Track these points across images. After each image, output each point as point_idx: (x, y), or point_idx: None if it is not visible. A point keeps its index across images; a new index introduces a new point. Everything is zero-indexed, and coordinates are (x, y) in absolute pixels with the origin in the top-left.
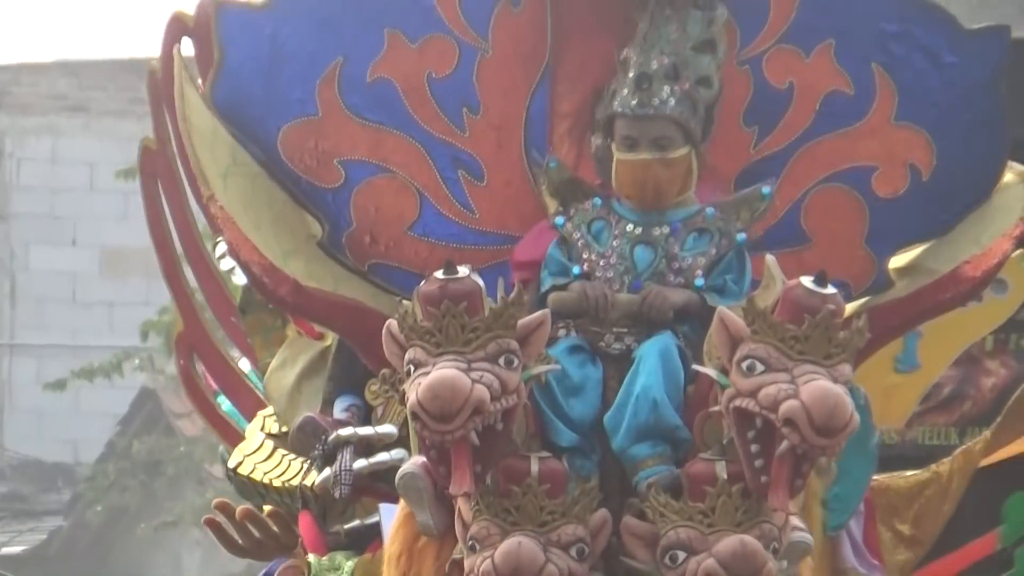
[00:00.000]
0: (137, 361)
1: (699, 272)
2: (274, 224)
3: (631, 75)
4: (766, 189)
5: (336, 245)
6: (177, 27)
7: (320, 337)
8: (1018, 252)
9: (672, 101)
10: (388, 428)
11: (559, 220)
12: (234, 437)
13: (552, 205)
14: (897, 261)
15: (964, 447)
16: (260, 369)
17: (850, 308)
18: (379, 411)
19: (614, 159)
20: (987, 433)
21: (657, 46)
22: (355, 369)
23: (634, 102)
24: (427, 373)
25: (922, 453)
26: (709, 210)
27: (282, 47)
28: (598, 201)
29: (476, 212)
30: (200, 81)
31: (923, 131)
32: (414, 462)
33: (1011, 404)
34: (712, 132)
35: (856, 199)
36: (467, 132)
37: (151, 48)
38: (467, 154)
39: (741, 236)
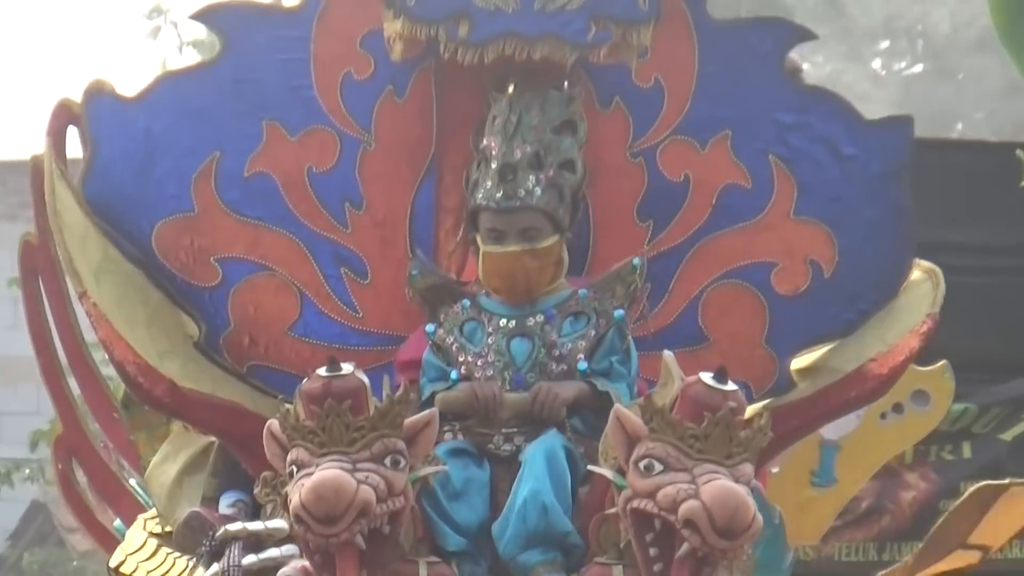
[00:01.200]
0: (27, 472)
1: (581, 356)
2: (149, 323)
3: (494, 166)
4: (636, 260)
5: (213, 346)
6: (63, 116)
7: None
8: (940, 363)
9: (538, 191)
10: (278, 523)
11: (430, 328)
12: (112, 542)
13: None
14: (799, 362)
15: (883, 573)
16: (142, 468)
17: (751, 410)
18: (268, 508)
19: (480, 252)
20: (908, 559)
21: (519, 133)
22: (241, 465)
23: (499, 195)
24: (310, 474)
25: (840, 570)
26: (582, 292)
27: (156, 141)
28: (467, 302)
29: (359, 311)
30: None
31: (824, 226)
32: (294, 566)
33: (933, 532)
34: (578, 217)
35: (755, 297)
36: (350, 228)
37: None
38: (350, 251)
39: (619, 312)
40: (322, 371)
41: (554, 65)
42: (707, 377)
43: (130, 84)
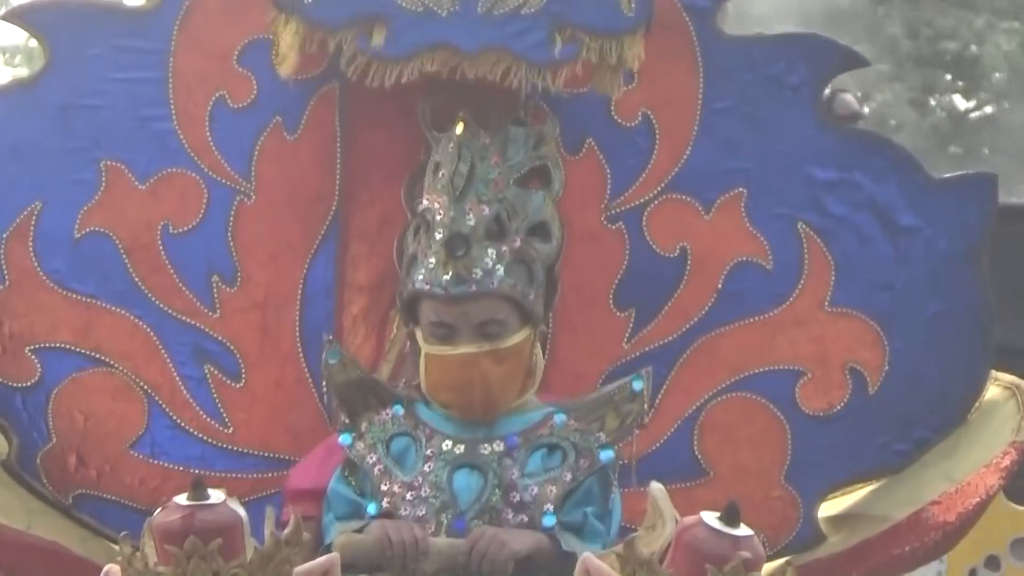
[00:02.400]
0: None
1: (548, 506)
2: None
3: (439, 237)
4: (638, 383)
5: (28, 467)
6: None
7: None
8: None
9: (500, 270)
10: None
11: (345, 437)
12: None
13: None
14: (831, 506)
15: None
16: None
17: (768, 567)
18: None
19: (421, 353)
20: None
21: (471, 190)
22: None
23: (446, 277)
24: None
25: None
26: (559, 417)
27: None
28: (399, 409)
29: (229, 425)
30: None
31: (870, 322)
32: None
33: None
34: (555, 304)
35: (773, 416)
36: (218, 311)
37: None
38: (217, 342)
39: (606, 453)
40: (182, 499)
41: (506, 91)
42: (711, 518)
43: None
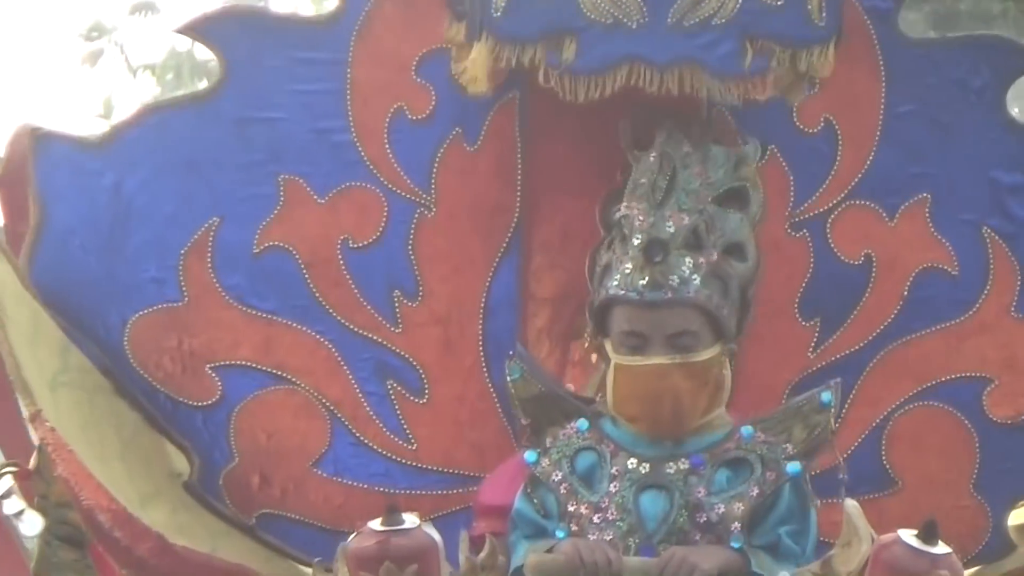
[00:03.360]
0: None
1: (736, 526)
2: (124, 455)
3: (636, 242)
4: (826, 395)
5: (211, 487)
6: (14, 161)
7: None
8: None
9: (696, 280)
10: None
11: (530, 455)
12: None
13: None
14: (1019, 516)
15: None
16: None
17: None
18: None
19: (610, 364)
20: None
21: (672, 198)
22: None
23: (642, 281)
24: None
25: None
26: (745, 430)
27: (129, 203)
28: (584, 424)
29: (413, 441)
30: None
31: None
32: None
33: None
34: (750, 323)
35: (962, 425)
36: (400, 326)
37: None
38: (400, 358)
39: (794, 467)
40: (376, 524)
41: (692, 102)
42: (909, 536)
43: (66, 125)
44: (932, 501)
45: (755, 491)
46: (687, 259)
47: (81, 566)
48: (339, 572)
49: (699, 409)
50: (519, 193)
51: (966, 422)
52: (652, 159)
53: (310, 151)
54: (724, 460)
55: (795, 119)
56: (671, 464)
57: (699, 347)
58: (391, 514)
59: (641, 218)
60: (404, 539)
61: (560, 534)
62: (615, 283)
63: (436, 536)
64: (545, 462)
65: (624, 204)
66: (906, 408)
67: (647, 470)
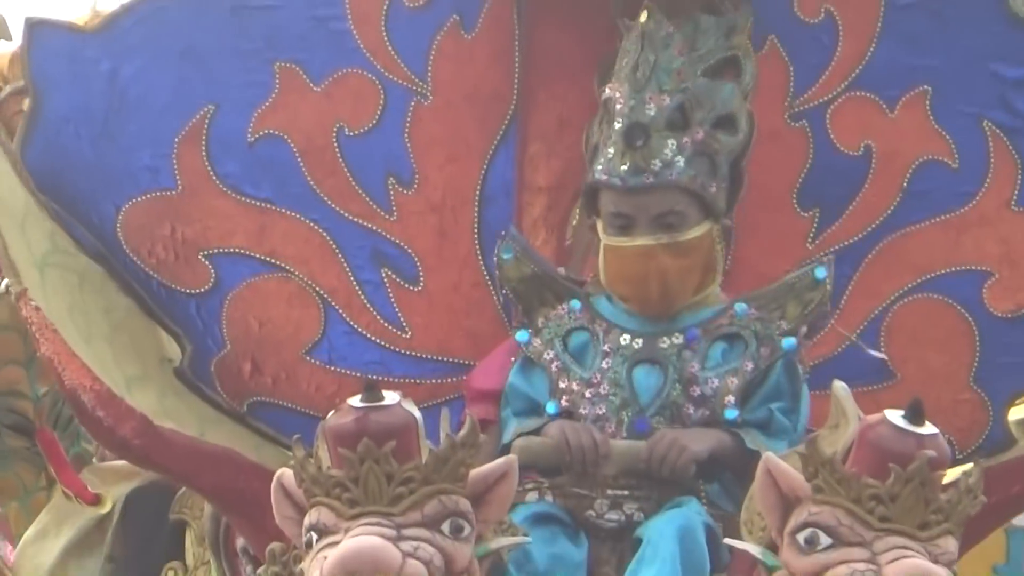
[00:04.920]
0: None
1: (730, 399)
2: (112, 338)
3: (617, 126)
4: (820, 271)
5: (202, 374)
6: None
7: (95, 502)
8: None
9: (680, 161)
10: None
11: (522, 335)
12: None
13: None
14: (1020, 411)
15: None
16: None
17: (955, 471)
18: None
19: (600, 244)
20: None
21: (654, 80)
22: (149, 547)
23: (624, 167)
24: (337, 543)
25: None
26: (739, 306)
27: (124, 90)
28: (576, 304)
29: (407, 329)
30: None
31: None
32: None
33: None
34: (742, 197)
35: (961, 318)
36: (395, 214)
37: None
38: (394, 245)
39: (788, 341)
40: (355, 401)
41: None
42: (895, 416)
43: (74, 14)
44: (931, 394)
45: (749, 365)
46: (670, 141)
47: (29, 453)
48: (319, 450)
49: (689, 287)
50: (516, 81)
51: (966, 314)
52: (634, 38)
53: (306, 38)
54: (718, 335)
55: (795, 8)
56: (664, 339)
57: (685, 226)
58: (370, 390)
59: (622, 102)
60: (383, 415)
61: (551, 408)
62: (599, 168)
63: (416, 413)
64: (537, 342)
65: (609, 86)
66: (905, 300)
67: (640, 345)
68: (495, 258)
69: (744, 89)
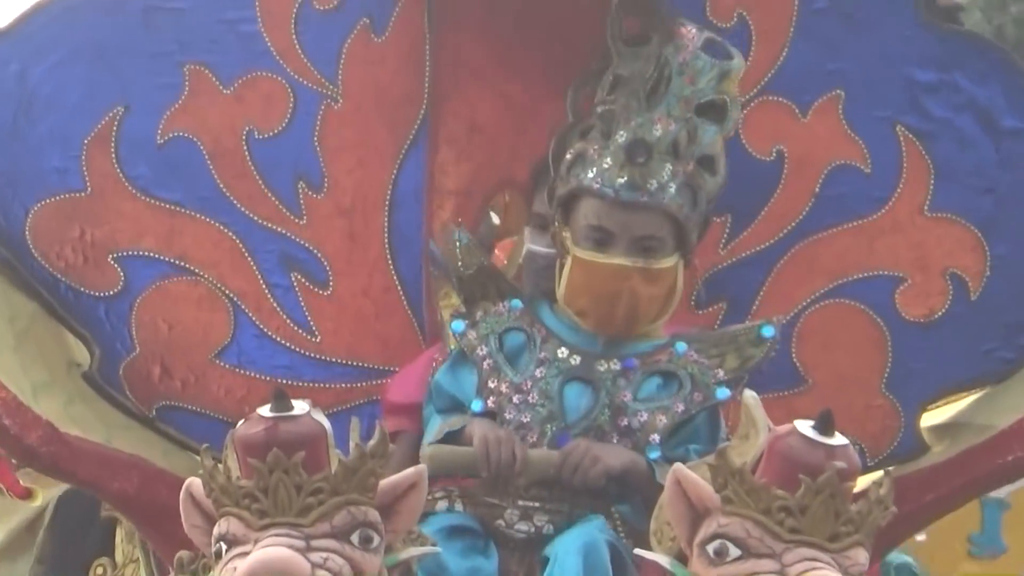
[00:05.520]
0: None
1: (655, 438)
2: (19, 345)
3: (620, 139)
4: (767, 329)
5: (111, 378)
6: None
7: (26, 496)
8: None
9: (672, 188)
10: None
11: (457, 325)
12: None
13: (446, 308)
14: (934, 416)
15: None
16: None
17: (865, 479)
18: None
19: (569, 255)
20: None
21: (665, 102)
22: (79, 546)
23: (621, 180)
24: (247, 554)
25: None
26: (680, 345)
27: (34, 91)
28: (517, 304)
29: (317, 333)
30: None
31: (971, 227)
32: None
33: None
34: (701, 241)
35: (873, 323)
36: (305, 218)
37: None
38: (304, 249)
39: (723, 391)
40: (265, 410)
41: None
42: (805, 427)
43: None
44: (842, 400)
45: (680, 407)
46: (667, 165)
47: None
48: (228, 459)
49: (650, 316)
50: (427, 84)
51: (878, 320)
52: (647, 58)
53: (217, 41)
54: (655, 369)
55: (707, 13)
56: (603, 362)
57: (662, 254)
58: (279, 400)
59: (628, 116)
60: (292, 425)
61: (476, 407)
62: (591, 175)
63: (325, 423)
64: (472, 335)
65: (608, 95)
66: (817, 305)
67: (577, 362)
68: (455, 239)
69: (724, 134)
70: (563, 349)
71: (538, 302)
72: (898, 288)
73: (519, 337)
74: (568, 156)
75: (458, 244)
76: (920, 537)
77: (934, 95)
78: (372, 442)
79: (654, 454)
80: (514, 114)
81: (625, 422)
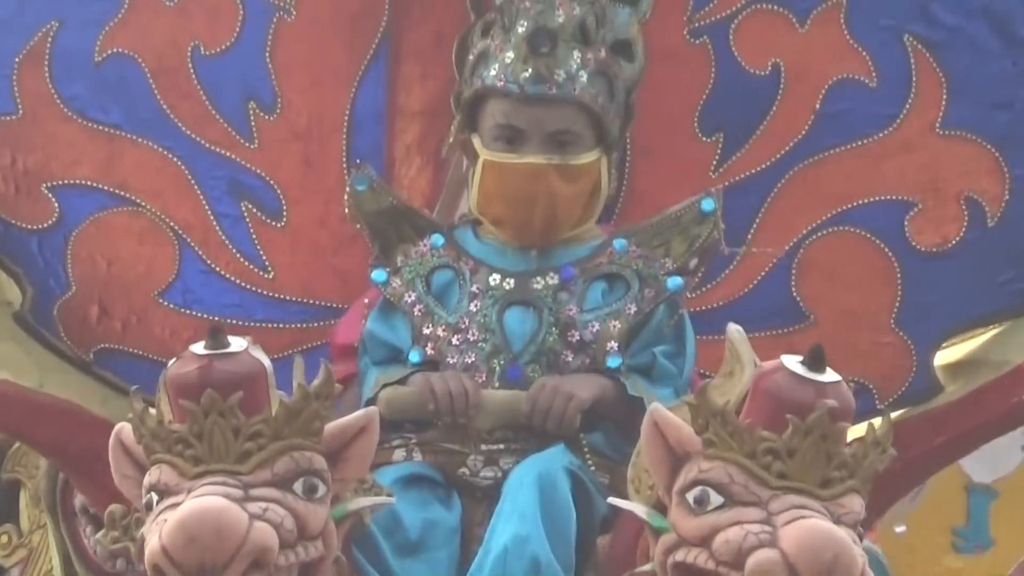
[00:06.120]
0: None
1: (612, 346)
2: None
3: (521, 29)
4: (708, 202)
5: (44, 319)
6: None
7: None
8: None
9: (583, 76)
10: None
11: (379, 274)
12: None
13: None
14: (949, 354)
15: None
16: None
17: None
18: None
19: (478, 161)
20: None
21: None
22: None
23: (525, 74)
24: (178, 504)
25: None
26: (618, 242)
27: None
28: (439, 240)
29: (269, 269)
30: None
31: (988, 146)
32: None
33: None
34: (630, 129)
35: (881, 253)
36: (256, 142)
37: None
38: (255, 176)
39: (674, 281)
40: (198, 347)
41: None
42: (792, 362)
43: None
44: (848, 338)
45: (632, 309)
46: (575, 53)
47: None
48: (160, 402)
49: (573, 217)
50: None
51: (886, 249)
52: None
53: None
54: (597, 274)
55: None
56: (538, 279)
57: (579, 148)
58: (215, 336)
59: (527, 3)
60: (228, 363)
61: (414, 357)
62: (492, 73)
63: (265, 361)
64: (396, 282)
65: None
66: (819, 234)
67: (512, 286)
68: (346, 190)
69: (640, 16)
70: (494, 276)
71: (461, 231)
72: (908, 214)
73: (447, 274)
74: (470, 57)
75: (356, 190)
76: (899, 528)
77: (945, 3)
78: (317, 382)
79: (615, 362)
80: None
81: (576, 337)
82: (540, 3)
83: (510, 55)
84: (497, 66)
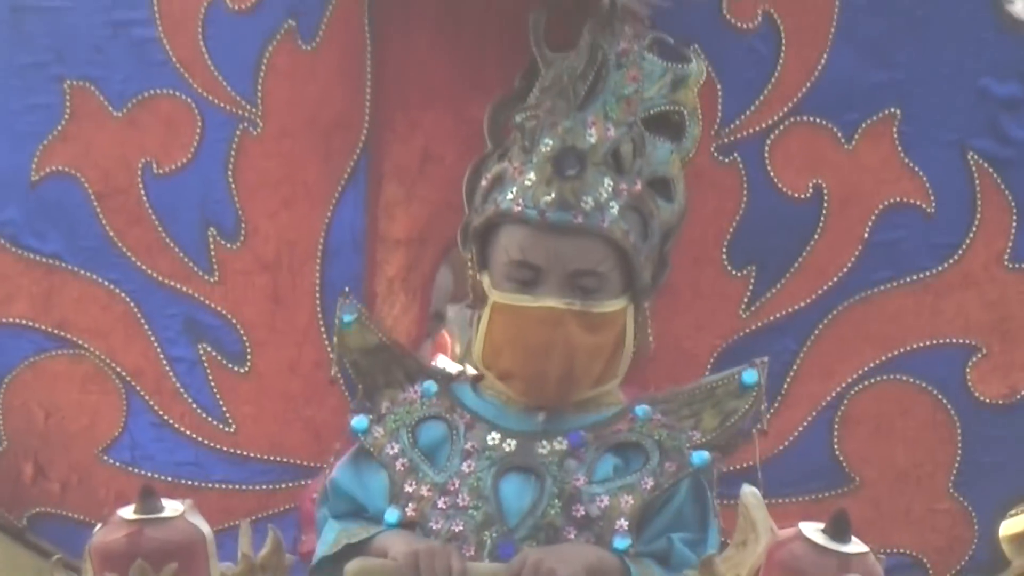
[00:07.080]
0: None
1: (622, 524)
2: None
3: (545, 148)
4: (749, 375)
5: None
6: None
7: None
8: None
9: (614, 208)
10: None
11: (360, 422)
12: None
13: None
14: (1014, 524)
15: None
16: None
17: None
18: None
19: (488, 304)
20: None
21: (599, 100)
22: None
23: (547, 198)
24: None
25: None
26: (641, 409)
27: None
28: (431, 387)
29: (231, 421)
30: None
31: None
32: None
33: None
34: (663, 281)
35: (939, 405)
36: (216, 274)
37: None
38: (215, 314)
39: (700, 456)
40: (127, 511)
41: None
42: (812, 530)
43: None
44: (899, 502)
45: (649, 483)
46: (606, 180)
47: None
48: (84, 571)
49: (591, 374)
50: (367, 104)
51: (944, 401)
52: (577, 52)
53: (104, 49)
54: (612, 444)
55: (725, 11)
56: (544, 443)
57: (604, 295)
58: (145, 499)
59: (554, 119)
60: (161, 531)
61: (391, 517)
62: (509, 197)
63: (204, 528)
64: (378, 431)
65: (528, 106)
66: (866, 383)
67: (512, 448)
68: (334, 322)
69: (683, 155)
70: (494, 434)
71: (457, 383)
72: (971, 360)
73: (438, 427)
74: (483, 183)
75: (343, 323)
76: None
77: (1014, 113)
78: (264, 551)
79: (623, 544)
80: (478, 141)
81: (581, 511)
82: (569, 120)
83: (531, 177)
84: (515, 189)
